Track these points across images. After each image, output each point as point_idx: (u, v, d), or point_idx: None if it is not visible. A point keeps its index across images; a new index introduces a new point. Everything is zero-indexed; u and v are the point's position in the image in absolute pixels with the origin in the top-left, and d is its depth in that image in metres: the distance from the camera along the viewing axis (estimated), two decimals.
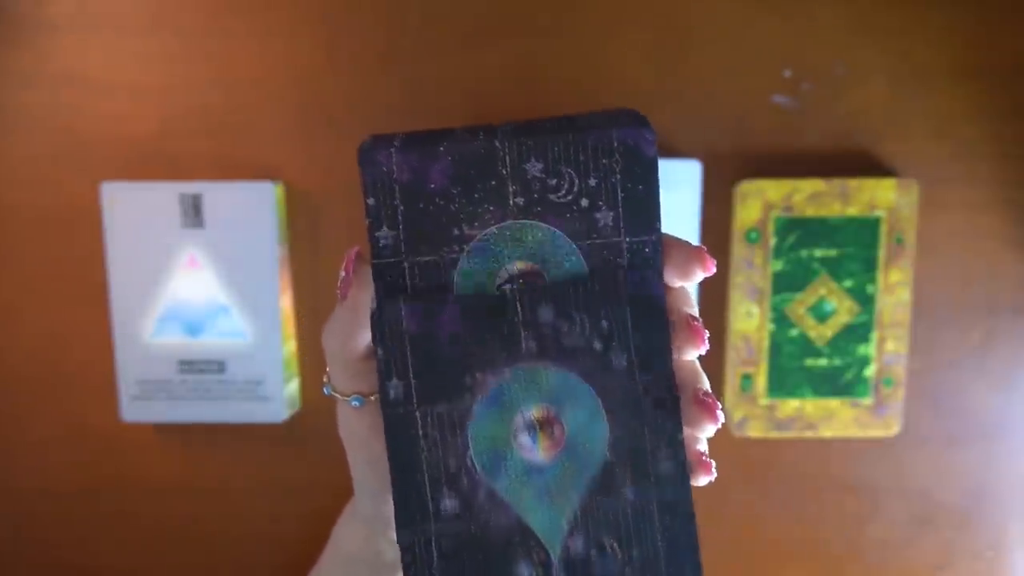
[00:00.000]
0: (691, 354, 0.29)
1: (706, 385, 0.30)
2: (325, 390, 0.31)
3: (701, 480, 0.29)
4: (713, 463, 0.29)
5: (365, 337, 0.29)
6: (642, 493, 0.29)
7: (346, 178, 0.61)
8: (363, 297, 0.29)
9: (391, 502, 0.30)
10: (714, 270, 0.29)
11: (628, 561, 0.29)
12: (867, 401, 0.61)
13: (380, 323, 0.28)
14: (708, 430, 0.29)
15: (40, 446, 0.64)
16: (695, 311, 0.29)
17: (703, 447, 0.30)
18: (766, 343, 0.60)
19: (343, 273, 0.29)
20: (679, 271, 0.29)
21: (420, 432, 0.29)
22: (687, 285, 0.29)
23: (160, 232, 0.59)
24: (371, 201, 0.28)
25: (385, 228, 0.28)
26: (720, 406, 0.29)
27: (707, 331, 0.29)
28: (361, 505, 0.34)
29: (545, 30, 0.59)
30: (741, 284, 0.60)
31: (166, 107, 0.60)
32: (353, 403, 0.30)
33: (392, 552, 0.34)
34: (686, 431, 0.29)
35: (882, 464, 0.63)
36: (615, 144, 0.28)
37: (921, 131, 0.60)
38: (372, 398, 0.30)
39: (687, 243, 0.29)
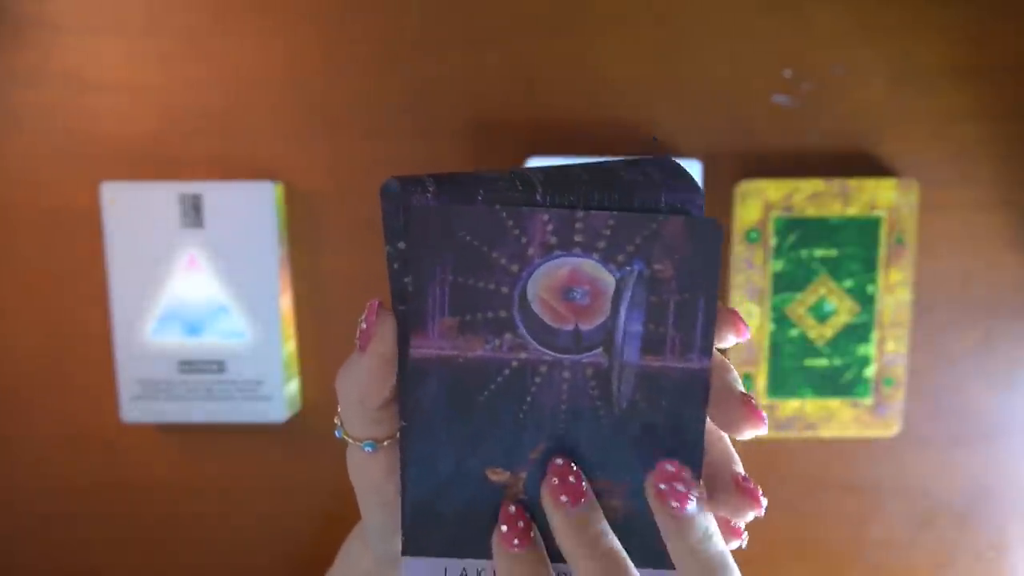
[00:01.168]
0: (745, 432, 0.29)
1: (740, 468, 0.30)
2: (336, 433, 0.31)
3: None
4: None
5: (385, 388, 0.29)
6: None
7: (346, 178, 0.61)
8: (385, 349, 0.28)
9: (400, 540, 0.30)
10: (748, 335, 0.29)
11: None
12: (867, 401, 0.61)
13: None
14: (748, 516, 0.30)
15: (40, 446, 0.64)
16: (742, 387, 0.29)
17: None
18: (766, 343, 0.60)
19: (363, 325, 0.29)
20: None
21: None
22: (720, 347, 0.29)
23: (160, 232, 0.59)
24: (401, 245, 0.27)
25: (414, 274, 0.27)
26: (761, 492, 0.30)
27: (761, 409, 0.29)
28: (372, 543, 0.34)
29: (545, 30, 0.59)
30: (741, 284, 0.60)
31: (166, 107, 0.60)
32: (366, 448, 0.30)
33: None
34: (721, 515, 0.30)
35: (882, 464, 0.63)
36: (663, 207, 0.27)
37: (921, 131, 0.60)
38: (385, 443, 0.30)
39: (720, 306, 0.28)
